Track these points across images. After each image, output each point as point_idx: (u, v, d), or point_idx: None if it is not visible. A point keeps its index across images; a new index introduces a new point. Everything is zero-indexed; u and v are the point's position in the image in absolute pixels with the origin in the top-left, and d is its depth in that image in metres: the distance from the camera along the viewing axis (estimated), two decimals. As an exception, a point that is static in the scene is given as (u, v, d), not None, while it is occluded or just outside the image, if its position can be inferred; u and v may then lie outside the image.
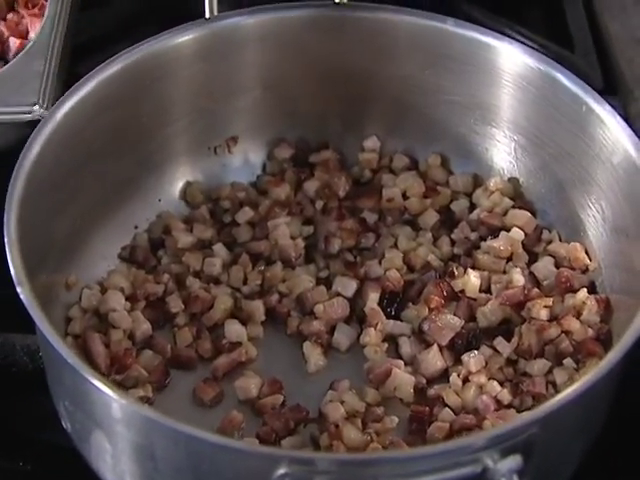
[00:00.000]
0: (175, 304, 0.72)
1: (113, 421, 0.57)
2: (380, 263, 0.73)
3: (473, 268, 0.72)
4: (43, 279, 0.66)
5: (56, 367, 0.61)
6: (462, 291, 0.71)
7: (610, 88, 0.88)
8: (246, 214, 0.76)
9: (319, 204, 0.77)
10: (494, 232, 0.73)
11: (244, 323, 0.71)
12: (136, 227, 0.76)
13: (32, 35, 0.80)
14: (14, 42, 0.80)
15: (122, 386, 0.66)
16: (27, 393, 0.69)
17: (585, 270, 0.71)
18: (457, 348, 0.69)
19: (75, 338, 0.69)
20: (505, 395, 0.66)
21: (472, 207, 0.76)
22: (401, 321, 0.71)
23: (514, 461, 0.53)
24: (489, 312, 0.70)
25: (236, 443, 0.55)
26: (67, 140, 0.69)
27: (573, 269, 0.71)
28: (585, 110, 0.68)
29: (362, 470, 0.54)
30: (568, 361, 0.67)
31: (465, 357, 0.68)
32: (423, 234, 0.75)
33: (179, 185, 0.78)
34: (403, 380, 0.67)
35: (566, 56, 0.87)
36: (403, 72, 0.76)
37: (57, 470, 0.68)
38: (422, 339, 0.70)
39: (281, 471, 0.53)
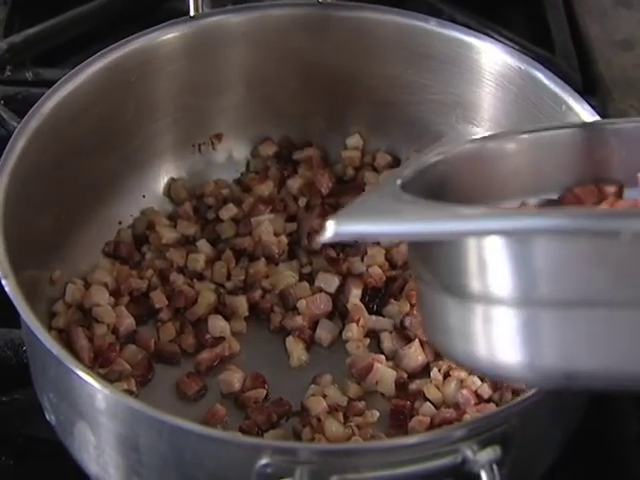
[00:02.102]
0: (159, 299, 0.72)
1: (97, 412, 0.58)
2: (362, 260, 0.74)
3: (454, 265, 0.73)
4: (27, 274, 0.66)
5: (40, 359, 0.62)
6: (443, 287, 0.72)
7: (590, 89, 0.89)
8: (230, 211, 0.77)
9: (302, 201, 0.78)
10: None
11: (227, 318, 0.72)
12: (120, 223, 0.76)
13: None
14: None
15: (106, 380, 0.66)
16: (10, 388, 0.70)
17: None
18: (438, 343, 0.70)
19: (59, 332, 0.69)
20: (485, 389, 0.67)
21: (454, 205, 0.77)
22: (383, 317, 0.72)
23: (493, 452, 0.54)
24: (470, 308, 0.70)
25: (218, 433, 0.56)
26: (52, 136, 0.69)
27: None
28: (565, 109, 0.69)
29: (343, 460, 0.54)
30: (547, 356, 0.67)
31: (446, 352, 0.69)
32: (405, 231, 0.76)
33: (163, 182, 0.79)
34: (385, 375, 0.68)
35: (547, 57, 0.89)
36: (386, 71, 0.77)
37: (41, 464, 0.68)
38: (404, 334, 0.70)
39: (263, 461, 0.53)
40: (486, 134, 0.62)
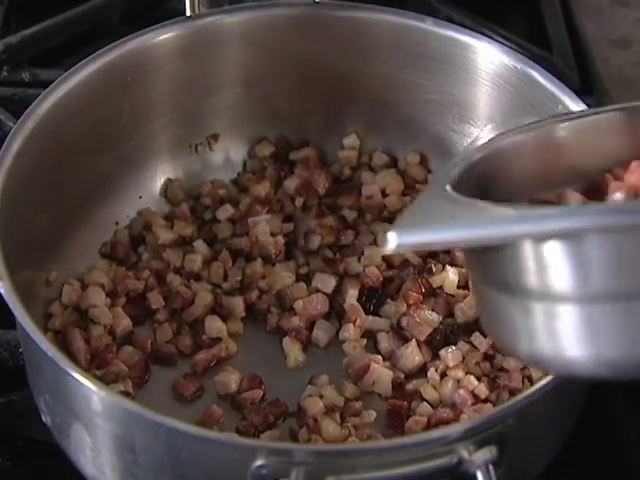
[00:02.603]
0: (155, 300, 0.72)
1: (93, 414, 0.57)
2: (359, 260, 0.74)
3: (451, 265, 0.73)
4: (24, 275, 0.66)
5: (36, 361, 0.62)
6: (440, 287, 0.72)
7: (587, 88, 0.89)
8: (227, 211, 0.77)
9: (299, 201, 0.78)
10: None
11: (224, 319, 0.72)
12: (117, 224, 0.76)
13: None
14: None
15: (102, 381, 0.66)
16: (7, 389, 0.70)
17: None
18: (435, 343, 0.69)
19: (55, 334, 0.69)
20: (482, 389, 0.67)
21: (450, 205, 0.77)
22: (380, 317, 0.72)
23: (489, 452, 0.54)
24: (467, 308, 0.70)
25: (214, 434, 0.56)
26: (48, 137, 0.69)
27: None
28: (561, 108, 0.69)
29: (339, 461, 0.54)
30: (544, 356, 0.67)
31: (443, 352, 0.69)
32: (402, 231, 0.76)
33: (160, 182, 0.79)
34: (381, 375, 0.68)
35: (544, 56, 0.88)
36: (382, 71, 0.77)
37: (37, 465, 0.68)
38: (400, 335, 0.70)
39: (259, 462, 0.53)
40: (526, 123, 0.61)
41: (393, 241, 0.50)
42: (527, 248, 0.51)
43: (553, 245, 0.50)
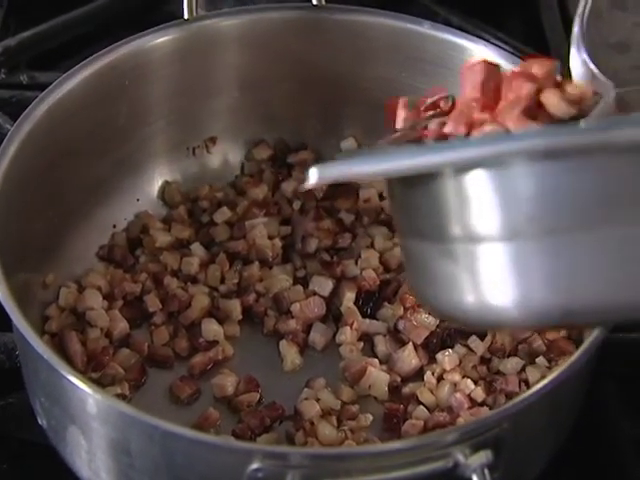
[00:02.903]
0: (152, 303, 0.72)
1: (89, 417, 0.57)
2: (356, 263, 0.74)
3: (448, 268, 0.73)
4: (20, 278, 0.66)
5: (32, 363, 0.62)
6: (437, 290, 0.72)
7: (585, 92, 0.89)
8: (224, 214, 0.77)
9: (297, 204, 0.78)
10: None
11: (221, 322, 0.72)
12: (114, 226, 0.76)
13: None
14: None
15: (99, 384, 0.66)
16: (4, 391, 0.70)
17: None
18: (432, 347, 0.70)
19: (52, 336, 0.69)
20: (479, 393, 0.67)
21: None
22: (377, 320, 0.72)
23: (485, 456, 0.54)
24: (464, 311, 0.70)
25: (209, 438, 0.56)
26: (45, 139, 0.69)
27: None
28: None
29: (335, 464, 0.54)
30: (541, 360, 0.67)
31: (440, 355, 0.69)
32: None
33: (157, 185, 0.79)
34: (378, 378, 0.68)
35: (542, 60, 0.88)
36: (380, 74, 0.77)
37: (33, 468, 0.68)
38: (397, 338, 0.70)
39: (254, 466, 0.53)
40: None
41: (314, 176, 0.49)
42: (444, 185, 0.48)
43: (471, 177, 0.47)
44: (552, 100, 0.51)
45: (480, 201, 0.47)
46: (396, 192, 0.54)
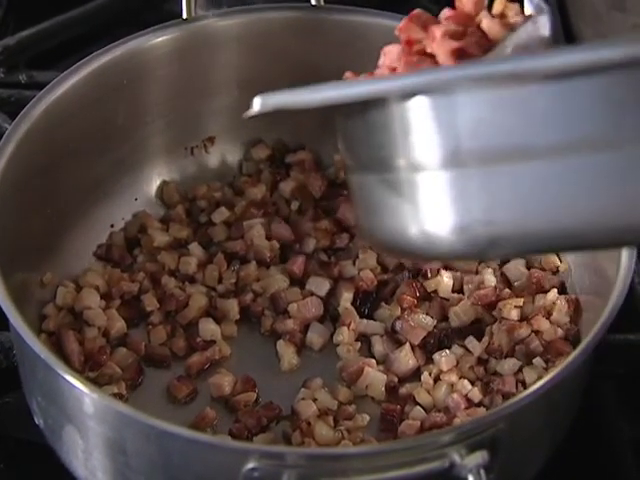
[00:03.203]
0: (150, 302, 0.72)
1: (85, 416, 0.58)
2: (354, 263, 0.74)
3: (445, 269, 0.72)
4: (18, 277, 0.66)
5: (29, 362, 0.62)
6: (435, 291, 0.72)
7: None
8: (222, 214, 0.77)
9: (295, 204, 0.78)
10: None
11: (218, 322, 0.72)
12: (112, 226, 0.76)
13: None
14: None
15: (96, 383, 0.66)
16: (0, 390, 0.70)
17: (555, 271, 0.72)
18: (429, 347, 0.70)
19: (49, 335, 0.69)
20: (476, 394, 0.67)
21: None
22: (374, 320, 0.72)
23: (481, 456, 0.54)
24: (461, 312, 0.70)
25: (206, 437, 0.56)
26: (43, 138, 0.69)
27: (544, 270, 0.72)
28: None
29: (331, 464, 0.54)
30: (538, 360, 0.67)
31: (437, 356, 0.69)
32: (397, 235, 0.76)
33: (156, 184, 0.79)
34: (375, 379, 0.68)
35: (541, 61, 0.88)
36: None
37: (30, 467, 0.68)
38: (395, 338, 0.70)
39: (250, 465, 0.53)
40: None
41: (257, 104, 0.51)
42: (385, 115, 0.49)
43: (411, 105, 0.48)
44: (489, 25, 0.53)
45: (421, 129, 0.49)
46: (342, 126, 0.55)
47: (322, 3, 0.77)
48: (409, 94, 0.49)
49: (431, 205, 0.49)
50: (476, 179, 0.48)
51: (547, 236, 0.48)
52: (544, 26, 0.53)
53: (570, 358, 0.58)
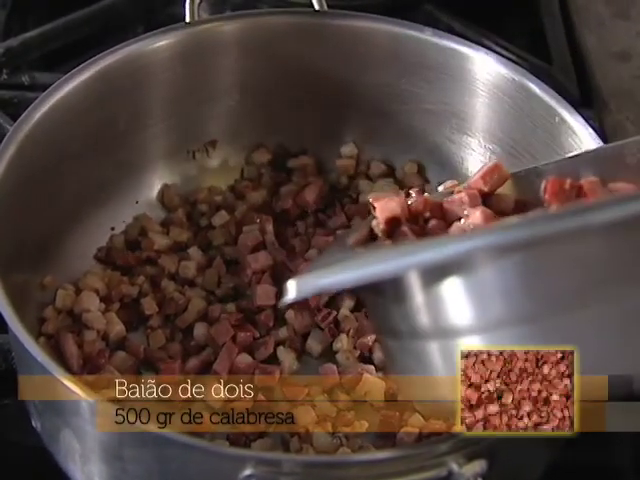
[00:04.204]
0: (149, 306, 0.72)
1: (82, 420, 0.57)
2: (354, 269, 0.74)
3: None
4: (18, 279, 0.66)
5: (27, 366, 0.61)
6: (435, 298, 0.72)
7: (586, 100, 0.89)
8: (222, 218, 0.77)
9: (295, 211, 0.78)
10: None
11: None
12: (112, 229, 0.76)
13: None
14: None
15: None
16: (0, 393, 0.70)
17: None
18: (428, 354, 0.69)
19: (48, 338, 0.69)
20: (475, 401, 0.66)
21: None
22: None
23: (479, 465, 0.53)
24: (461, 319, 0.70)
25: (202, 443, 0.56)
26: (44, 141, 0.69)
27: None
28: (558, 121, 0.69)
29: (328, 472, 0.54)
30: (538, 369, 0.67)
31: (436, 363, 0.68)
32: (398, 241, 0.76)
33: (156, 188, 0.78)
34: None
35: (544, 68, 0.88)
36: (381, 80, 0.77)
37: (27, 471, 0.68)
38: (394, 345, 0.70)
39: (247, 472, 0.53)
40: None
41: (292, 290, 0.51)
42: (412, 286, 0.51)
43: (445, 278, 0.50)
44: None
45: (451, 299, 0.50)
46: (366, 296, 0.57)
47: (325, 8, 0.77)
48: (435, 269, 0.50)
49: None
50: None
51: None
52: None
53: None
